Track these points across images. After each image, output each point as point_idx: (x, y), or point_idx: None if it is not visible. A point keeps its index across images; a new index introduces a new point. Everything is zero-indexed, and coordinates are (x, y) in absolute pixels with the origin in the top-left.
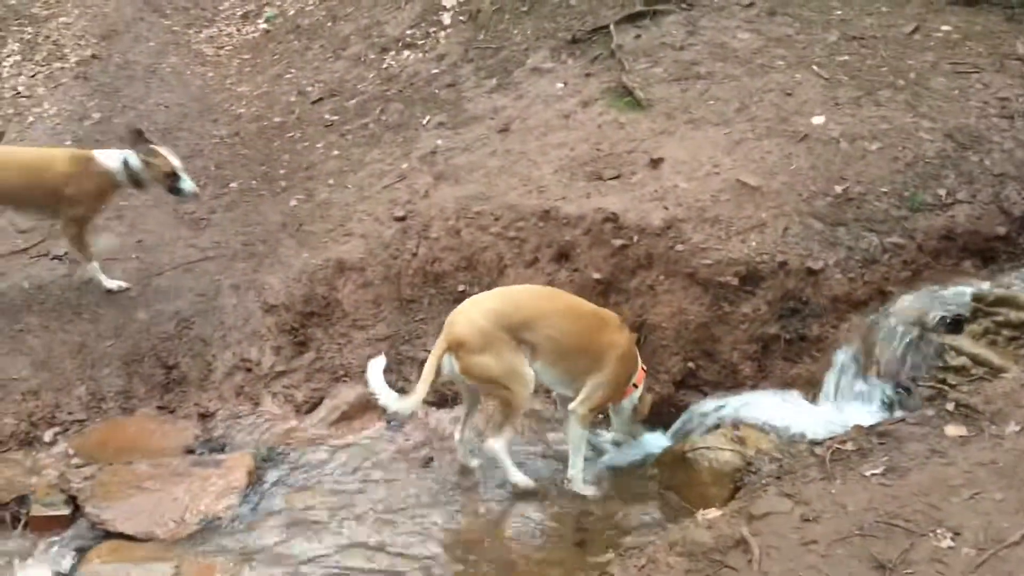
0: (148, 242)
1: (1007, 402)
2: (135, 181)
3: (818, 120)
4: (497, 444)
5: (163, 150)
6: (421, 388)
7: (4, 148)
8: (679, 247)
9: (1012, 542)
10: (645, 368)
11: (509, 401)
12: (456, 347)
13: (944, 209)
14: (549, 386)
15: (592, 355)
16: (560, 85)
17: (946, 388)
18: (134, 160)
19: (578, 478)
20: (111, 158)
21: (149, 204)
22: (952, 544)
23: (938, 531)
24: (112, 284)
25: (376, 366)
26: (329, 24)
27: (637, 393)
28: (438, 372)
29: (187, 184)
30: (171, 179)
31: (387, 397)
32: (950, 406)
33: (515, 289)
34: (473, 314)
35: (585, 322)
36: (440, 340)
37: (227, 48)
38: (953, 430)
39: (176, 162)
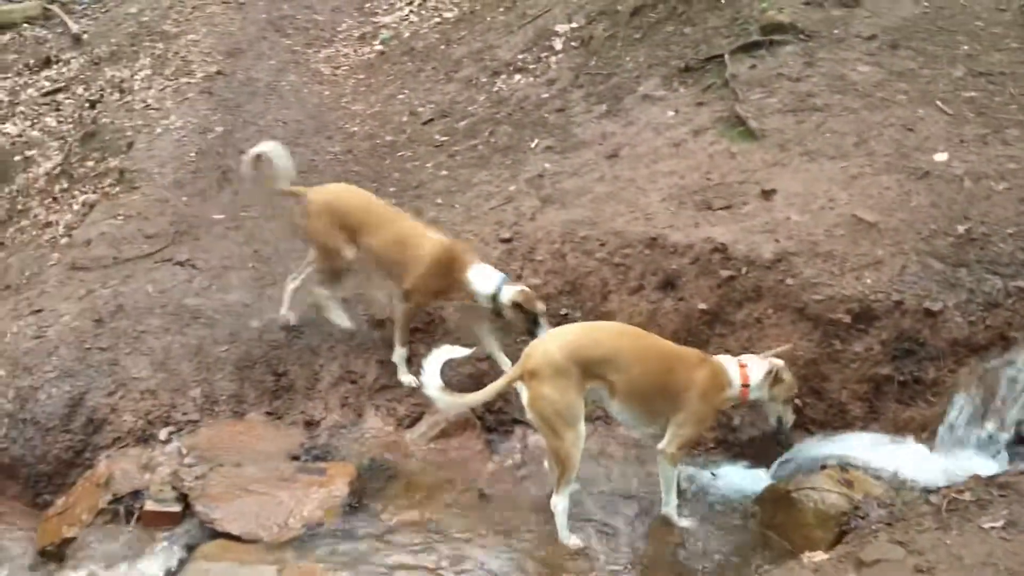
0: (264, 252)
1: None
2: (496, 308)
3: (941, 157)
4: (558, 501)
5: (531, 294)
6: (475, 396)
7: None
8: (789, 281)
9: None
10: (744, 363)
11: (558, 451)
12: (528, 376)
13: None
14: (629, 425)
15: (670, 395)
16: (671, 113)
17: None
18: (507, 294)
19: (673, 513)
20: (487, 278)
21: (266, 215)
22: None
23: None
24: (407, 379)
25: (443, 353)
26: (442, 47)
27: (757, 388)
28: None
29: (543, 331)
30: (532, 323)
31: (434, 386)
32: None
33: (597, 325)
34: (551, 346)
35: (662, 363)
36: (516, 365)
37: (343, 68)
38: None
39: (541, 307)
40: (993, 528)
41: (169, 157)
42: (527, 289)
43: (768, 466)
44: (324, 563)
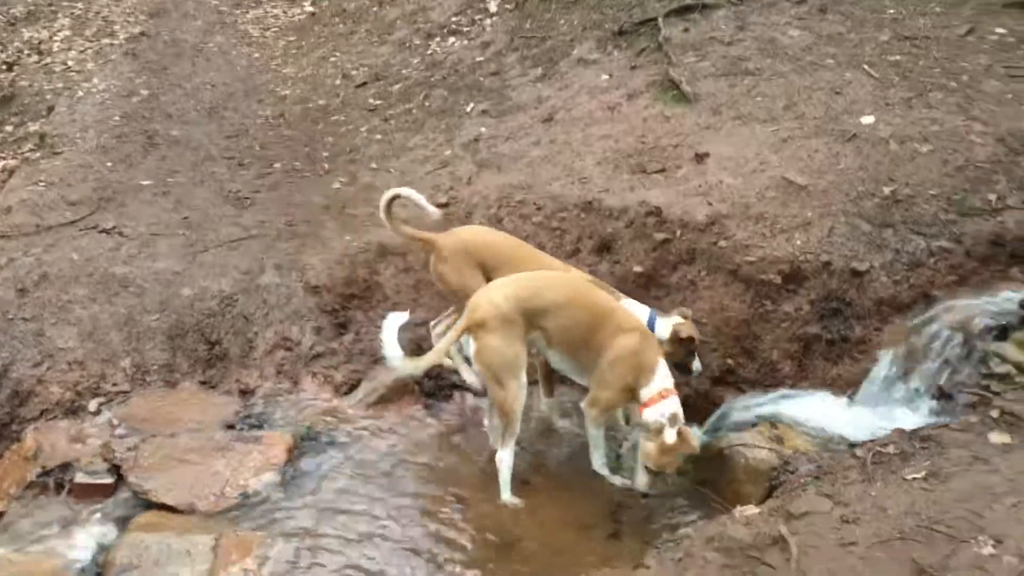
0: (194, 219)
1: None
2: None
3: (868, 120)
4: (503, 455)
5: (688, 324)
6: (430, 356)
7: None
8: (722, 243)
9: None
10: (670, 390)
11: (503, 403)
12: (476, 328)
13: (994, 214)
14: (569, 375)
15: (592, 353)
16: (605, 77)
17: (989, 395)
18: (662, 327)
19: (604, 471)
20: (638, 314)
21: (195, 181)
22: (994, 551)
23: (980, 538)
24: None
25: (394, 320)
26: (375, 8)
27: (662, 410)
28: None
29: (697, 365)
30: (689, 354)
31: (393, 353)
32: (995, 413)
33: (539, 275)
34: (497, 297)
35: (592, 318)
36: (462, 318)
37: (273, 29)
38: (997, 437)
39: (697, 335)
40: (915, 479)
41: (92, 121)
42: (682, 320)
43: (701, 424)
44: (262, 531)
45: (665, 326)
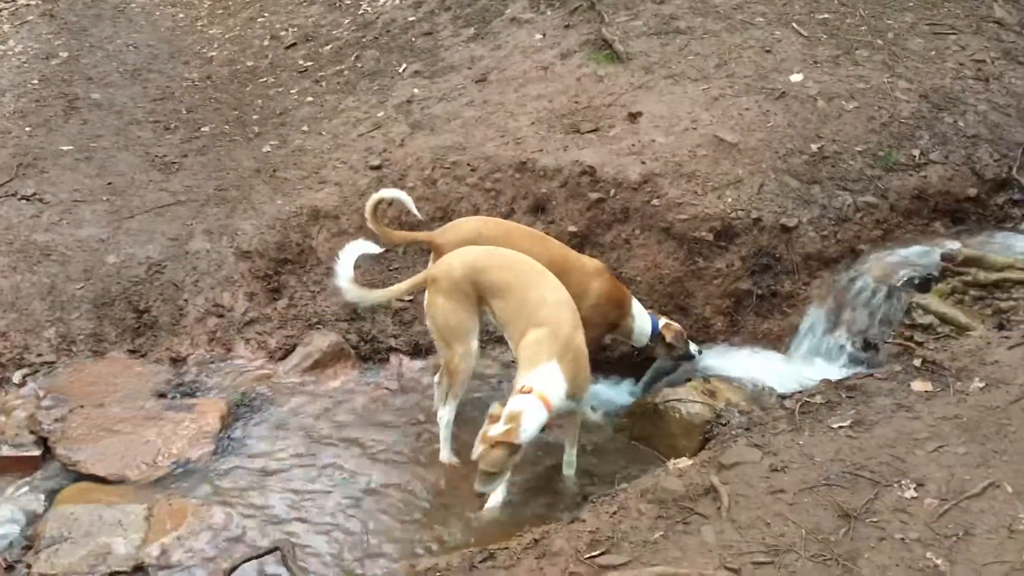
0: (118, 185)
1: (972, 359)
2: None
3: (796, 78)
4: (443, 413)
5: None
6: (383, 292)
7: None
8: (655, 202)
9: (973, 494)
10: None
11: (448, 362)
12: (430, 282)
13: (917, 169)
14: None
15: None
16: (539, 36)
17: (913, 345)
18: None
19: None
20: (645, 318)
21: (119, 146)
22: (915, 495)
23: (902, 482)
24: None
25: (356, 248)
26: None
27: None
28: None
29: (693, 348)
30: (682, 356)
31: (345, 279)
32: (917, 362)
33: (498, 252)
34: (455, 262)
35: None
36: (424, 271)
37: None
38: (919, 385)
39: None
40: (841, 427)
41: (9, 85)
42: (672, 324)
43: (637, 381)
44: (197, 499)
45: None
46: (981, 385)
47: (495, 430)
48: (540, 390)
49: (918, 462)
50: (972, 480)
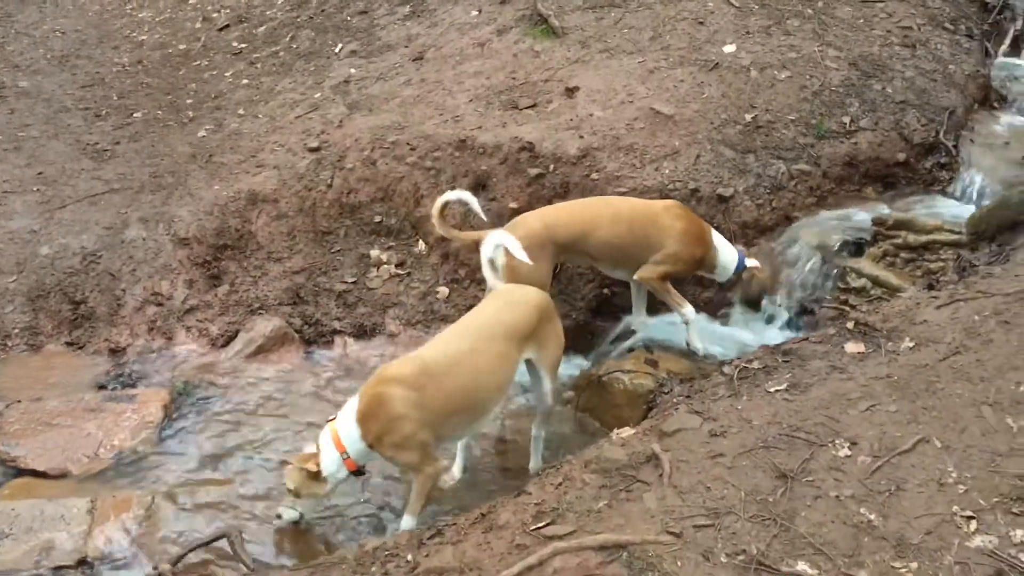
0: (49, 174)
1: (903, 320)
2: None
3: (729, 49)
4: None
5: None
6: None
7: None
8: (594, 175)
9: (904, 450)
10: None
11: None
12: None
13: (848, 136)
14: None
15: None
16: (475, 13)
17: (847, 309)
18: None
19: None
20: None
21: (49, 135)
22: (849, 453)
23: (836, 441)
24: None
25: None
26: None
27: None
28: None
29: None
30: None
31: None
32: (850, 325)
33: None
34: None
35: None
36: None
37: None
38: (852, 347)
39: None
40: (778, 391)
41: None
42: (760, 268)
43: (587, 355)
44: (140, 489)
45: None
46: (911, 345)
47: (304, 452)
48: (336, 424)
49: (851, 422)
50: (903, 437)
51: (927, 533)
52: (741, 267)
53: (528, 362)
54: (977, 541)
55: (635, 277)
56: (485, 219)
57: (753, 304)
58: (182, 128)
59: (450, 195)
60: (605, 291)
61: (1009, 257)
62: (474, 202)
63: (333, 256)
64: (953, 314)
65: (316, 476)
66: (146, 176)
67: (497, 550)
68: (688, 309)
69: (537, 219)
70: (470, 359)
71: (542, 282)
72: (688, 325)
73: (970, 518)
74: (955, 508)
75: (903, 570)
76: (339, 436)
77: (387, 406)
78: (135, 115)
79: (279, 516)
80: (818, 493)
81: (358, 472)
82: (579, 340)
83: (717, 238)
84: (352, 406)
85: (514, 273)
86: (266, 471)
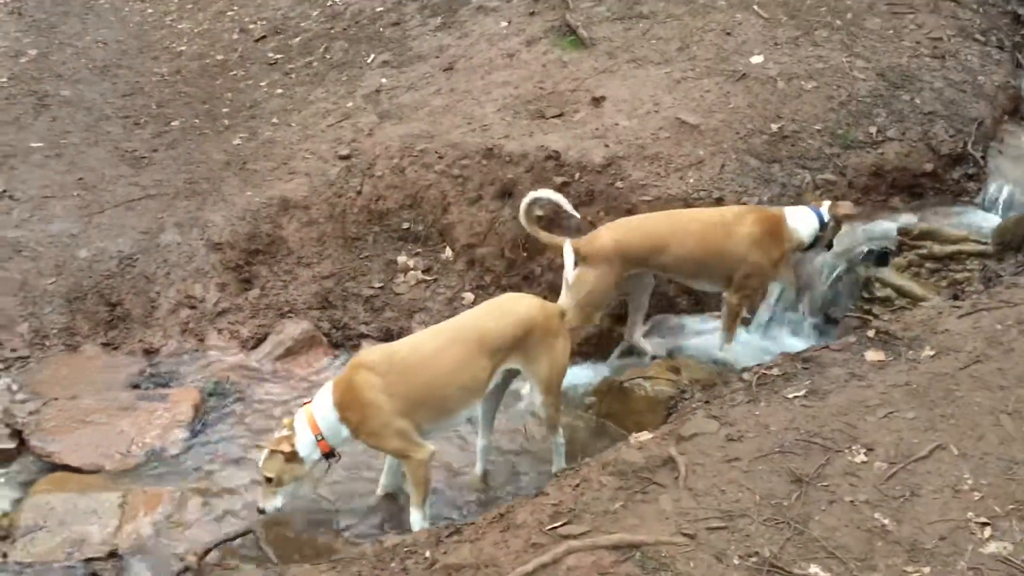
0: (88, 180)
1: (924, 329)
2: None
3: (757, 59)
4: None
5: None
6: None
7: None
8: (619, 184)
9: (920, 456)
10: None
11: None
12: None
13: (875, 146)
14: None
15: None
16: (505, 24)
17: (870, 318)
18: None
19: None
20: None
21: (89, 142)
22: (865, 459)
23: (853, 447)
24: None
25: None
26: None
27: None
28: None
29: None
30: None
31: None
32: (871, 333)
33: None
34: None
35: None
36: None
37: None
38: (872, 355)
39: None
40: (796, 397)
41: None
42: (840, 203)
43: (605, 359)
44: (171, 486)
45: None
46: (931, 353)
47: (276, 435)
48: (311, 407)
49: (868, 428)
50: (920, 444)
51: (941, 539)
52: (823, 224)
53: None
54: (991, 547)
55: (726, 297)
56: (577, 215)
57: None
58: (218, 136)
59: (538, 193)
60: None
61: None
62: (564, 201)
63: (361, 262)
64: (975, 323)
65: (293, 458)
66: (182, 182)
67: (513, 548)
68: (732, 344)
69: (609, 234)
70: (436, 358)
71: (604, 296)
72: (723, 351)
73: (985, 524)
74: (970, 514)
75: (915, 575)
76: (314, 418)
77: (357, 392)
78: (173, 123)
79: (261, 511)
80: (833, 498)
81: (330, 454)
82: (602, 347)
83: (791, 215)
84: (328, 390)
85: (579, 284)
86: None
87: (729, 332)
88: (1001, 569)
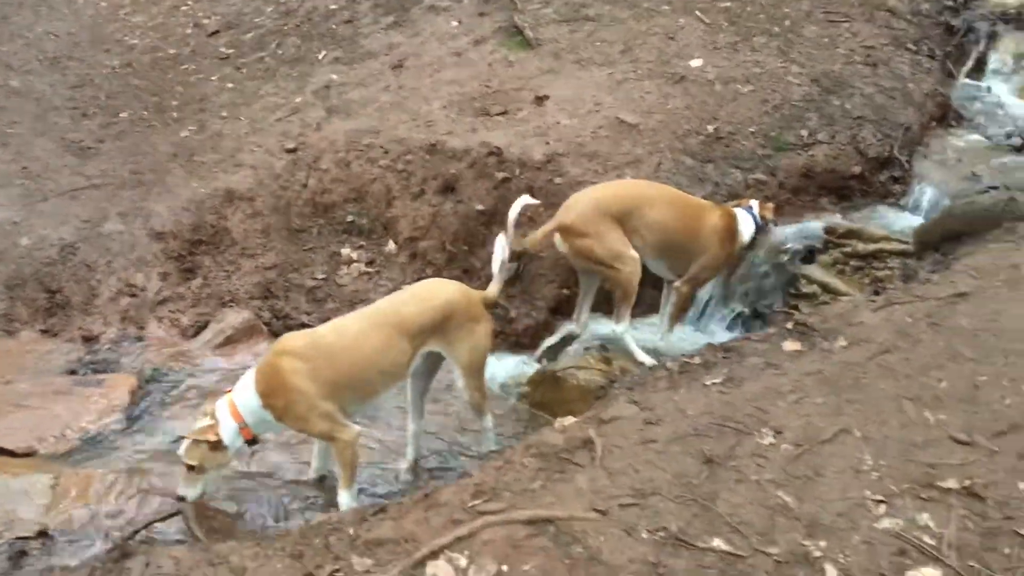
0: (33, 169)
1: (840, 321)
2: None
3: (696, 63)
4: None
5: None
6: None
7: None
8: (558, 180)
9: (825, 439)
10: None
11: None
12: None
13: (805, 149)
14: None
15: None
16: (455, 23)
17: (796, 313)
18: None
19: None
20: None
21: (36, 132)
22: (773, 441)
23: (763, 430)
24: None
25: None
26: None
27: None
28: None
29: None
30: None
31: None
32: (790, 325)
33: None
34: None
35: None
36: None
37: None
38: (789, 345)
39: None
40: (713, 384)
41: None
42: (766, 204)
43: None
44: (103, 468)
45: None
46: (844, 344)
47: (199, 425)
48: (233, 395)
49: (779, 413)
50: (826, 428)
51: (839, 515)
52: (759, 226)
53: None
54: (885, 523)
55: (677, 286)
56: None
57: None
58: (166, 128)
59: (525, 199)
60: (564, 291)
61: (950, 265)
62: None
63: (305, 253)
64: (888, 316)
65: (217, 446)
66: (127, 173)
67: (434, 524)
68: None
69: (588, 197)
70: (358, 341)
71: (619, 249)
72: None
73: (880, 502)
74: (867, 493)
75: (812, 548)
76: (236, 406)
77: (283, 378)
78: (121, 115)
79: (181, 498)
80: (740, 477)
81: (253, 441)
82: (538, 339)
83: (739, 216)
84: (250, 378)
85: (581, 249)
86: None
87: (672, 321)
88: (892, 543)
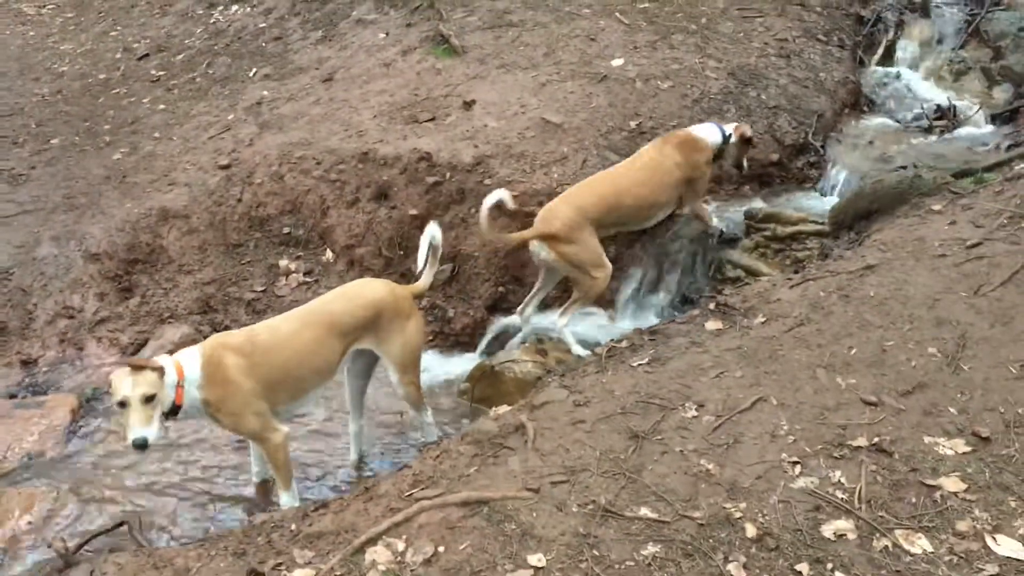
0: None
1: (759, 300)
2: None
3: (617, 62)
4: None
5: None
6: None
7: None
8: (487, 181)
9: (744, 408)
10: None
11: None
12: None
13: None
14: None
15: None
16: (383, 35)
17: (718, 296)
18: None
19: None
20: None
21: None
22: (696, 414)
23: (686, 404)
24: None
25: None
26: None
27: None
28: None
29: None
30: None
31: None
32: (712, 306)
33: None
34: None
35: None
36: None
37: (50, 6)
38: (712, 325)
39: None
40: (640, 365)
41: None
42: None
43: (476, 349)
44: (46, 486)
45: (729, 129)
46: (763, 320)
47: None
48: (178, 358)
49: (701, 387)
50: (745, 398)
51: (757, 478)
52: (725, 137)
53: None
54: (800, 482)
55: (687, 212)
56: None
57: (739, 166)
58: (98, 152)
59: (499, 193)
60: (500, 289)
61: (863, 242)
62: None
63: (243, 267)
64: (803, 292)
65: (163, 375)
66: (60, 197)
67: (373, 514)
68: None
69: (566, 204)
70: (291, 341)
71: (596, 256)
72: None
73: (796, 463)
74: (784, 455)
75: (733, 510)
76: (182, 367)
77: (224, 371)
78: (52, 141)
79: (142, 442)
80: (665, 449)
81: (175, 412)
82: (476, 336)
83: (696, 130)
84: (196, 354)
85: (567, 256)
86: (167, 464)
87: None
88: (808, 500)
